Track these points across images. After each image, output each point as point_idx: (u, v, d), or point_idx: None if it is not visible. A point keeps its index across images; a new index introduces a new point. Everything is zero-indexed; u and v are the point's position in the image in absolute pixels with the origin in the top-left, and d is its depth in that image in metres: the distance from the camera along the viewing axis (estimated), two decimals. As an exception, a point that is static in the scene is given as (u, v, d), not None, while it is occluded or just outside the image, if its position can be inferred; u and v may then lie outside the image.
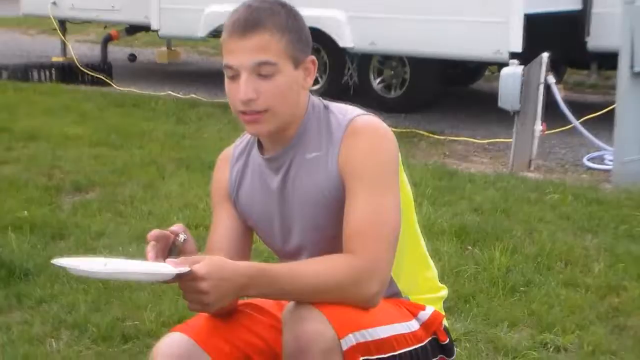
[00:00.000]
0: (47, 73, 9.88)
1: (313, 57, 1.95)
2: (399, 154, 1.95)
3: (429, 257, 2.13)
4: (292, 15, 1.90)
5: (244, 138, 2.10)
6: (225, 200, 2.09)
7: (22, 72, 9.71)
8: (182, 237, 1.88)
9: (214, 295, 1.74)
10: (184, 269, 1.71)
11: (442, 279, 2.24)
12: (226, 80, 1.90)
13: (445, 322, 2.07)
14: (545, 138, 6.36)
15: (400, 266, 1.98)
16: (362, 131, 1.92)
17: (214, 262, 1.76)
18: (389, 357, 1.86)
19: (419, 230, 2.09)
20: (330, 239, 1.91)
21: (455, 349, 2.08)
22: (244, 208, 2.06)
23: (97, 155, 5.83)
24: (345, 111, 1.97)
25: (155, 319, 3.18)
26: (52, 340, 3.05)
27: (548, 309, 3.34)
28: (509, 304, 3.40)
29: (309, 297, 1.80)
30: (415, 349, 1.94)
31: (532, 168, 6.04)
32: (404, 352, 1.91)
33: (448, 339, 2.05)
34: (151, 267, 1.76)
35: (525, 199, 4.95)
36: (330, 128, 1.94)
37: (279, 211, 2.00)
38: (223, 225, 2.08)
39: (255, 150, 2.04)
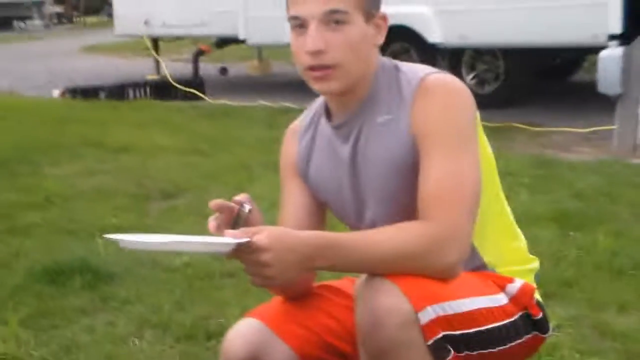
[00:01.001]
0: (142, 91, 10.03)
1: (384, 14, 1.80)
2: (477, 113, 1.78)
3: (516, 225, 1.94)
4: None
5: (312, 109, 1.96)
6: (294, 175, 1.96)
7: (118, 91, 9.88)
8: (247, 207, 1.73)
9: (277, 268, 1.60)
10: (244, 239, 1.59)
11: (541, 264, 2.03)
12: (292, 37, 1.76)
13: (537, 296, 1.88)
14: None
15: (484, 235, 1.81)
16: (434, 89, 1.75)
17: (276, 232, 1.63)
18: (474, 332, 1.69)
19: (503, 197, 1.91)
20: (406, 209, 1.74)
21: (549, 325, 1.88)
22: (314, 182, 1.93)
23: (187, 163, 5.81)
24: (416, 70, 1.81)
25: (239, 316, 3.05)
26: (136, 339, 2.97)
27: (660, 291, 3.09)
28: (616, 287, 3.16)
29: (381, 268, 1.65)
30: (505, 324, 1.76)
31: (637, 153, 5.72)
32: (492, 328, 1.72)
33: (541, 314, 1.85)
34: (210, 239, 1.63)
35: (631, 183, 4.67)
36: (401, 88, 1.78)
37: (351, 182, 1.85)
38: (293, 201, 1.95)
39: (323, 120, 1.90)
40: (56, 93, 10.05)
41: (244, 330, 1.88)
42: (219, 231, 1.67)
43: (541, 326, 1.85)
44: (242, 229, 1.63)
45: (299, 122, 1.98)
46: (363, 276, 1.68)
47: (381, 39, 1.81)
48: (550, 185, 4.68)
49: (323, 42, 1.72)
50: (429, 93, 1.75)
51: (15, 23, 32.26)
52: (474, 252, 1.80)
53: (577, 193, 4.46)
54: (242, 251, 1.60)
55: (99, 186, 5.22)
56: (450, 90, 1.76)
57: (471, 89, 1.78)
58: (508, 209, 1.94)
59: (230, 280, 3.46)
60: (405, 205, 1.76)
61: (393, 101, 1.79)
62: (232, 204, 1.73)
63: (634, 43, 5.90)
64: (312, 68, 1.75)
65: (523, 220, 1.95)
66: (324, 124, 1.90)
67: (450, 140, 1.72)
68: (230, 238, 1.60)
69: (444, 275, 1.67)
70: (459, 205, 1.68)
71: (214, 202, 1.70)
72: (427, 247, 1.65)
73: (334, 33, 1.72)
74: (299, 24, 1.74)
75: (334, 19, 1.71)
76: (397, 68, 1.83)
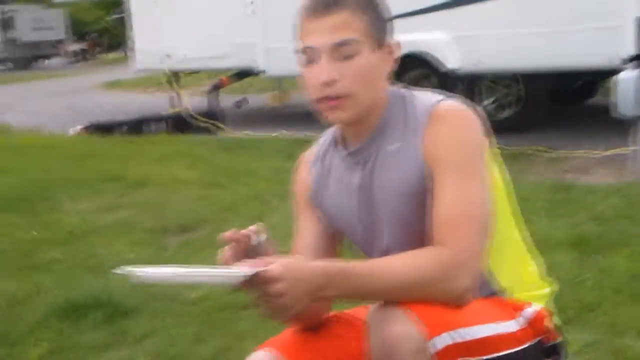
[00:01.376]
0: (163, 124, 10.10)
1: (397, 41, 1.81)
2: (486, 139, 1.77)
3: (534, 250, 1.92)
4: None
5: (325, 138, 1.97)
6: (308, 203, 1.96)
7: (139, 126, 9.96)
8: (261, 237, 1.73)
9: (290, 297, 1.60)
10: (258, 270, 1.58)
11: (561, 289, 2.01)
12: (303, 67, 1.77)
13: (555, 321, 1.86)
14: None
15: (501, 260, 1.80)
16: (445, 117, 1.76)
17: (288, 263, 1.62)
18: (492, 358, 1.67)
19: (521, 222, 1.90)
20: (421, 236, 1.74)
21: (567, 350, 1.85)
22: (328, 210, 1.92)
23: (205, 195, 5.83)
24: (427, 97, 1.82)
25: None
26: (154, 374, 2.99)
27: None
28: (637, 311, 3.12)
29: (394, 296, 1.64)
30: (522, 349, 1.74)
31: (658, 175, 5.68)
32: (509, 354, 1.70)
33: (559, 339, 1.83)
34: (222, 270, 1.63)
35: (652, 205, 4.62)
36: (413, 116, 1.79)
37: (365, 210, 1.85)
38: (307, 230, 1.95)
39: (337, 148, 1.91)
40: (77, 129, 10.14)
41: None
42: (233, 261, 1.67)
43: (559, 352, 1.84)
44: (256, 260, 1.63)
45: (313, 152, 1.98)
46: (376, 303, 1.67)
47: (393, 67, 1.82)
48: (569, 209, 4.64)
49: (336, 72, 1.72)
50: (439, 120, 1.75)
51: (38, 61, 32.67)
52: (491, 278, 1.79)
53: (597, 216, 4.43)
54: (255, 281, 1.60)
55: (119, 221, 5.26)
56: (460, 118, 1.77)
57: (490, 114, 1.79)
58: (525, 234, 1.92)
59: (248, 312, 3.44)
60: (419, 231, 1.75)
61: (405, 128, 1.79)
62: (247, 234, 1.72)
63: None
64: (324, 98, 1.76)
65: (542, 244, 1.94)
66: (338, 153, 1.90)
67: (460, 168, 1.72)
68: (244, 269, 1.60)
69: (456, 301, 1.66)
70: (469, 230, 1.68)
71: (229, 233, 1.70)
72: (439, 273, 1.65)
73: (345, 63, 1.73)
74: (311, 55, 1.75)
75: (345, 49, 1.72)
76: (408, 95, 1.83)
